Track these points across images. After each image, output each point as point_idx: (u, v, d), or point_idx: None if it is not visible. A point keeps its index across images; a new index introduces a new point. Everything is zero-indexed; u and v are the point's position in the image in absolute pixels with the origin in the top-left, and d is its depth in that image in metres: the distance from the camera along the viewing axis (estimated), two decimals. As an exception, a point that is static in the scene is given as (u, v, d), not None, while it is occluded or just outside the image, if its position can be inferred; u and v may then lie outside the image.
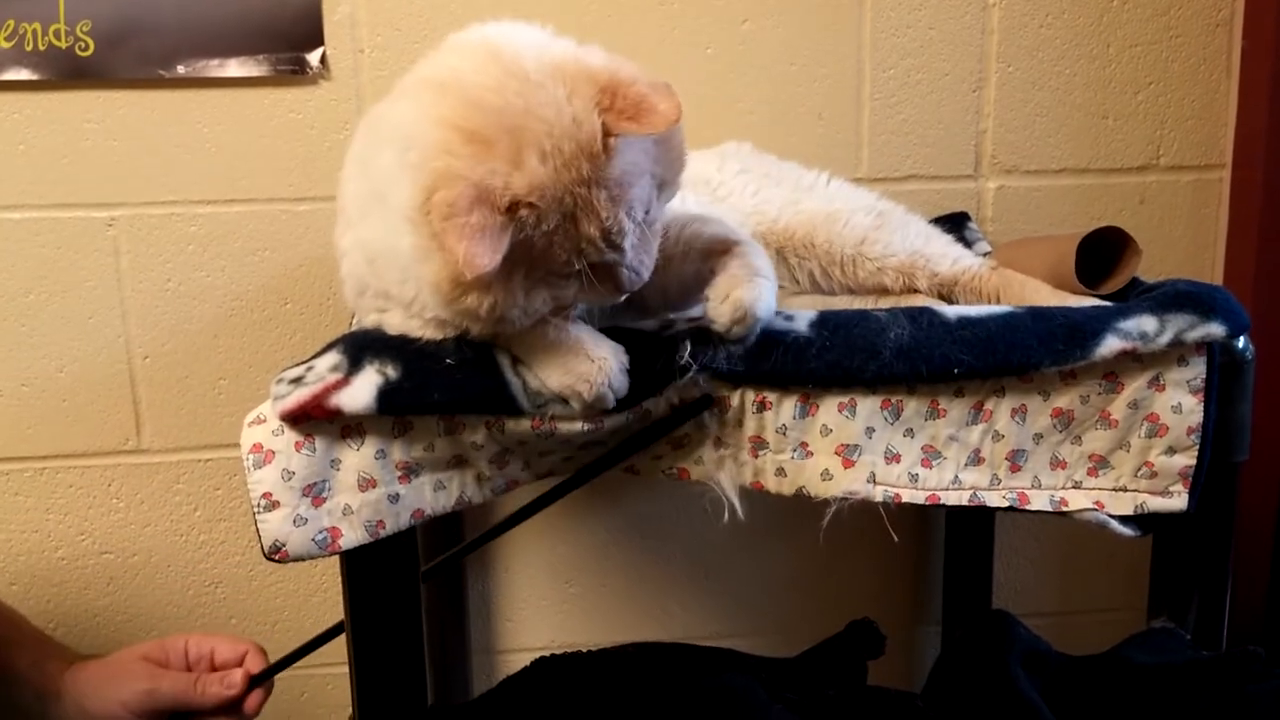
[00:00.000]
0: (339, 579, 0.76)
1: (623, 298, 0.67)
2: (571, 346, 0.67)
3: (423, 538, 0.76)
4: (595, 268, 0.64)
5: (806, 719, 0.77)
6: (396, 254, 0.65)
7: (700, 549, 1.24)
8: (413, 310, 0.69)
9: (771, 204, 0.91)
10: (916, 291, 0.90)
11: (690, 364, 0.69)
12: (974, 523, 1.18)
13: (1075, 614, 1.30)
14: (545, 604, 1.25)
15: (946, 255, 0.89)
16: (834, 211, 0.90)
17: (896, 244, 0.88)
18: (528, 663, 0.91)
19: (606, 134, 0.62)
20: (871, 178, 1.16)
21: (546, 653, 0.92)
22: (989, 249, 1.10)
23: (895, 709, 0.81)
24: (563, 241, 0.62)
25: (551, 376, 0.67)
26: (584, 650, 0.91)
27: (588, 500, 1.23)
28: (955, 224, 1.15)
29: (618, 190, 0.63)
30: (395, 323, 0.71)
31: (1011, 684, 0.76)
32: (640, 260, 0.66)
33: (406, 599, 0.75)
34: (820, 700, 0.80)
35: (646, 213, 0.65)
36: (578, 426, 0.69)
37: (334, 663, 1.21)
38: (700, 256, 0.72)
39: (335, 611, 1.18)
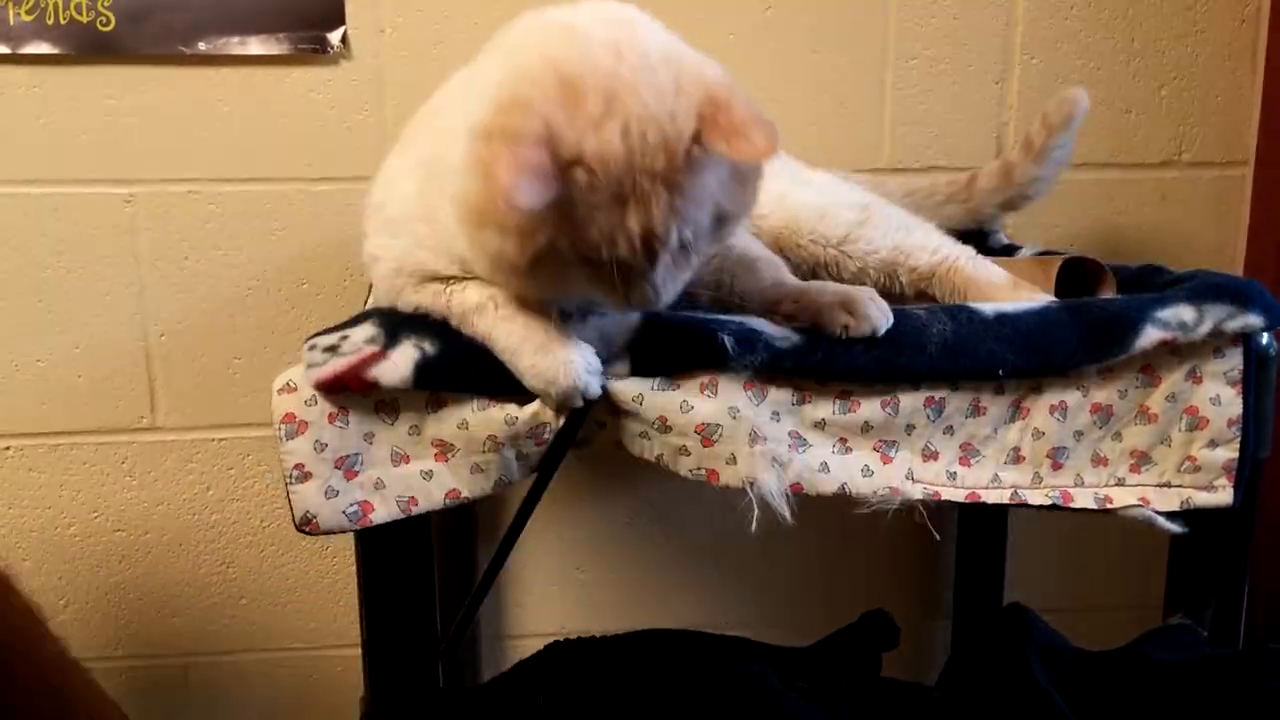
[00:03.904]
0: (350, 562, 0.76)
1: (633, 314, 0.66)
2: (542, 344, 0.66)
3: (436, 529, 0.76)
4: (619, 269, 0.62)
5: (820, 708, 0.76)
6: (446, 160, 0.65)
7: (712, 537, 1.24)
8: (431, 228, 0.69)
9: (762, 204, 0.90)
10: None
11: (730, 359, 0.68)
12: (987, 517, 1.18)
13: (1087, 610, 1.29)
14: (555, 590, 1.24)
15: (925, 247, 0.87)
16: (821, 206, 0.89)
17: (879, 239, 0.87)
18: (536, 647, 0.91)
19: (695, 141, 0.60)
20: (893, 168, 1.16)
21: (555, 638, 0.92)
22: (1006, 241, 1.10)
23: (910, 700, 0.81)
24: (602, 224, 0.60)
25: (524, 374, 0.67)
26: (597, 636, 0.91)
27: (599, 486, 1.23)
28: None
29: (679, 201, 0.60)
30: (397, 249, 0.72)
31: (1029, 677, 0.75)
32: (666, 282, 0.63)
33: (420, 581, 0.75)
34: (834, 690, 0.79)
35: (694, 240, 0.63)
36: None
37: (345, 644, 1.22)
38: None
39: (346, 594, 1.19)
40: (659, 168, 0.59)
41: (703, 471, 0.70)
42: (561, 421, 0.68)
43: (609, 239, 0.60)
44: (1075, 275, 0.85)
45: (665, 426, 0.69)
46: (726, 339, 0.68)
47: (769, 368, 0.69)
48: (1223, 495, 0.74)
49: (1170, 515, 0.75)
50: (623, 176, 0.59)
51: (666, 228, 0.60)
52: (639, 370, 0.69)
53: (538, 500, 0.73)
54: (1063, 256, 0.86)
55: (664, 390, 0.69)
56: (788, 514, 0.69)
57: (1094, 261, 0.86)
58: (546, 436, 0.69)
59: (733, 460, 0.69)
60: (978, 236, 1.12)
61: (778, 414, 0.71)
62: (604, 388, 0.68)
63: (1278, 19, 1.17)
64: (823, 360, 0.70)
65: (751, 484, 0.69)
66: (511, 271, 0.63)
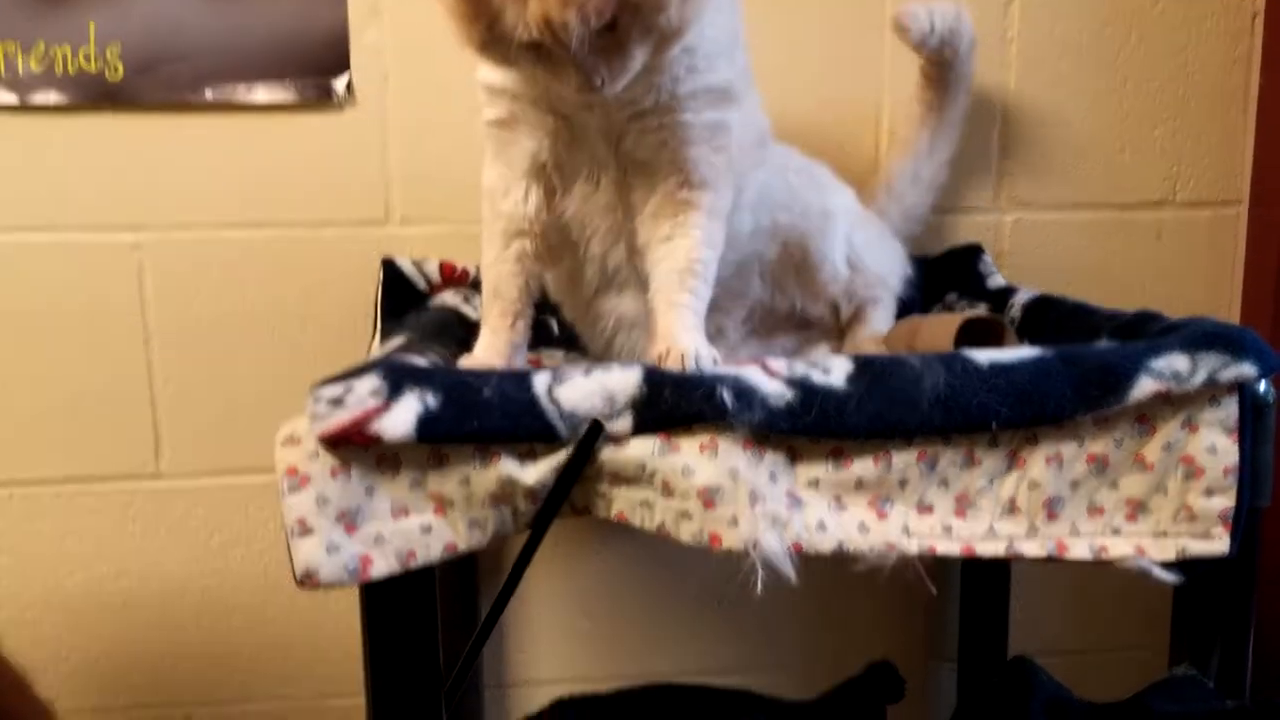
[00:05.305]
0: (354, 611, 0.76)
1: (586, 95, 0.72)
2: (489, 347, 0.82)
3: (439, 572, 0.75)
4: (551, 54, 0.69)
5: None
6: None
7: (715, 584, 1.23)
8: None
9: None
10: None
11: (729, 413, 0.69)
12: (990, 564, 1.17)
13: (1092, 653, 1.29)
14: (558, 636, 1.24)
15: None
16: None
17: None
18: (539, 695, 0.90)
19: None
20: (891, 211, 1.16)
21: (558, 685, 0.91)
22: (1003, 283, 1.10)
23: (916, 752, 0.80)
24: (511, 8, 0.68)
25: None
26: (603, 692, 0.90)
27: (602, 532, 1.22)
28: (968, 257, 1.15)
29: None
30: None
31: (1034, 729, 0.75)
32: (599, 67, 0.70)
33: (424, 631, 0.74)
34: (841, 743, 0.79)
35: (616, 33, 0.69)
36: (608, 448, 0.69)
37: (348, 694, 1.21)
38: None
39: (350, 643, 1.18)
40: None
41: (705, 536, 0.69)
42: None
43: (518, 21, 0.68)
44: (977, 335, 0.87)
45: (668, 491, 0.70)
46: (725, 393, 0.69)
47: (765, 426, 0.69)
48: (1219, 544, 0.74)
49: (1167, 565, 0.74)
50: None
51: (563, 15, 0.66)
52: (642, 427, 0.70)
53: (530, 558, 0.72)
54: (963, 316, 0.88)
55: (665, 455, 0.69)
56: (792, 575, 0.69)
57: (996, 320, 0.89)
58: (543, 496, 0.70)
59: (734, 523, 0.69)
60: (975, 278, 1.13)
61: (774, 474, 0.71)
62: (605, 456, 0.69)
63: (1269, 60, 1.19)
64: (816, 420, 0.70)
65: (754, 545, 0.68)
66: (475, 56, 0.71)
